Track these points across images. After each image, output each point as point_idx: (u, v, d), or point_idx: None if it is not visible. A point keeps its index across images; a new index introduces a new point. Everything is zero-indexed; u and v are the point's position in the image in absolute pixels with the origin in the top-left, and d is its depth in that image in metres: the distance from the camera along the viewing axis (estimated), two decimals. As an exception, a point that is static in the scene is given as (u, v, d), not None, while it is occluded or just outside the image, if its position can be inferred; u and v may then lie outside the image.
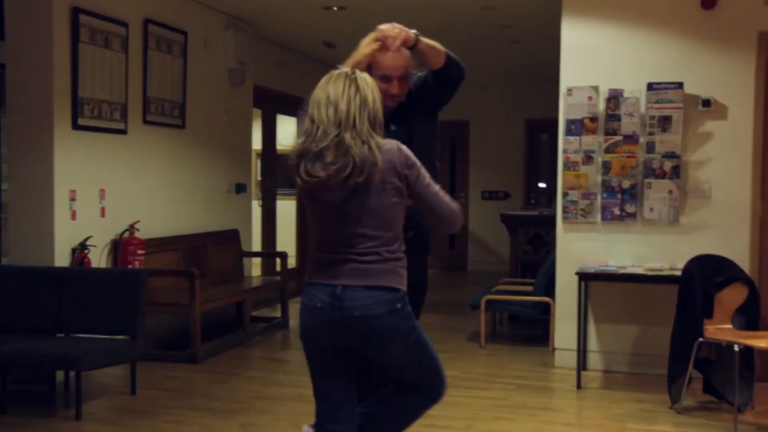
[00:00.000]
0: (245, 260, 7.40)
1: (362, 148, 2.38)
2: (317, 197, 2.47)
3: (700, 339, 4.22)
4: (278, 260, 7.61)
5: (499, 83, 10.80)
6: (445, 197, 2.53)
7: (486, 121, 11.14)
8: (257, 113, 8.23)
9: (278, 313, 7.39)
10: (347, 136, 2.38)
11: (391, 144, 2.47)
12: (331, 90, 2.45)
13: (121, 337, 4.81)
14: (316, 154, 2.39)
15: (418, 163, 2.49)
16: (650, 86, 5.21)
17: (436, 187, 2.53)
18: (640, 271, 5.03)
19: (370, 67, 2.99)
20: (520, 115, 11.05)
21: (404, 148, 2.49)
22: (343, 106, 2.42)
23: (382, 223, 2.45)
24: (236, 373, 5.37)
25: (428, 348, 2.58)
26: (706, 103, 5.14)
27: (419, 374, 2.59)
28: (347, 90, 2.44)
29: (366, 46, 2.87)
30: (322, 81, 2.51)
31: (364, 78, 2.51)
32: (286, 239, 9.31)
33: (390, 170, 2.42)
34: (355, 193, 2.41)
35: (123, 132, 5.67)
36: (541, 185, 11.33)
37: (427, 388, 2.61)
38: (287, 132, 9.50)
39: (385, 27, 2.89)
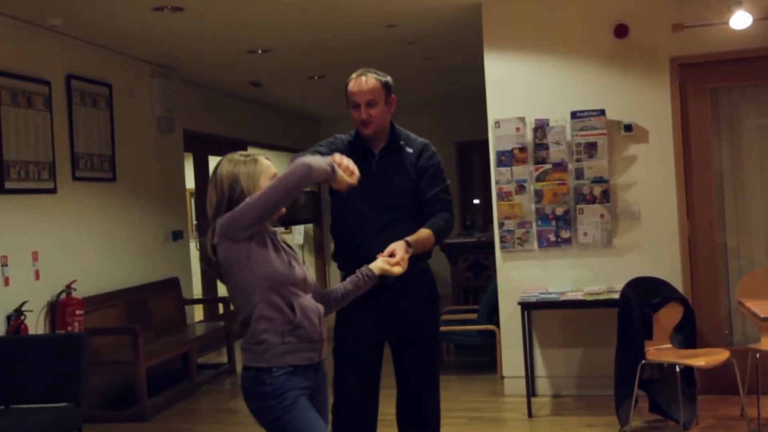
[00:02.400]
0: (187, 307, 7.30)
1: (207, 240, 2.50)
2: None
3: (643, 361, 4.36)
4: (221, 304, 7.52)
5: (427, 108, 10.95)
6: (263, 191, 2.42)
7: (417, 147, 11.25)
8: (188, 156, 8.15)
9: (224, 358, 7.30)
10: (209, 224, 2.52)
11: (217, 224, 2.48)
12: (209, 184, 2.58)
13: (65, 404, 4.67)
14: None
15: (236, 210, 2.41)
16: (574, 114, 5.38)
17: (251, 198, 2.41)
18: (579, 295, 5.16)
19: (347, 101, 3.24)
20: (449, 138, 11.21)
21: (224, 216, 2.44)
22: (209, 200, 2.53)
23: (237, 295, 2.50)
24: (187, 429, 5.29)
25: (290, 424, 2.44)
26: (628, 128, 5.33)
27: None
28: (211, 181, 2.54)
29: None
30: None
31: (231, 160, 2.53)
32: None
33: (224, 245, 2.45)
34: (222, 278, 2.55)
35: (52, 191, 5.55)
36: (476, 201, 11.55)
37: None
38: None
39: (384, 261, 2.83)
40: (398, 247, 2.84)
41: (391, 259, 2.75)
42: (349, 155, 3.19)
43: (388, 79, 3.28)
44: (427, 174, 3.26)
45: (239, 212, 2.41)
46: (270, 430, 2.47)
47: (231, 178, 2.48)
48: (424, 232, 3.13)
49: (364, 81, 3.19)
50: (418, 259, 3.10)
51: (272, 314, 2.44)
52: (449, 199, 3.33)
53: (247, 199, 2.42)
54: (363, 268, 2.72)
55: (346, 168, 2.58)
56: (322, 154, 3.10)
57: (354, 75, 3.24)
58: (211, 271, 2.59)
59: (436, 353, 3.40)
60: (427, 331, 3.31)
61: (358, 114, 3.19)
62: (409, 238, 2.98)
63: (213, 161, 8.90)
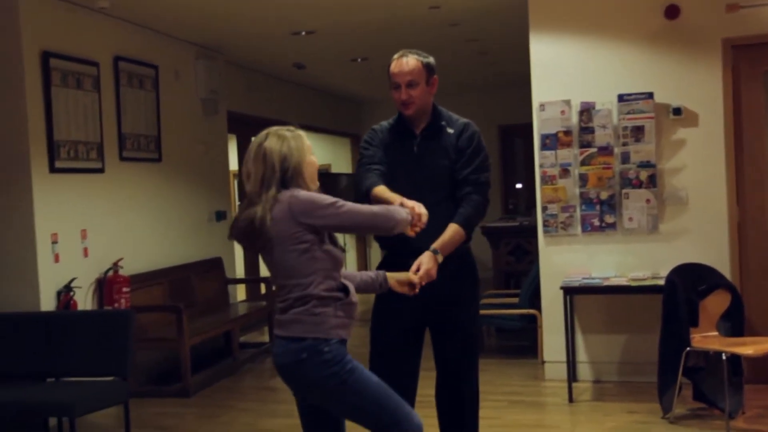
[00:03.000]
0: (230, 287, 7.39)
1: (261, 214, 2.47)
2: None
3: (688, 348, 4.30)
4: (263, 284, 7.60)
5: (470, 91, 10.88)
6: (362, 209, 2.53)
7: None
8: (232, 137, 8.23)
9: (266, 338, 7.39)
10: (257, 204, 2.49)
11: (282, 200, 2.48)
12: (247, 155, 2.58)
13: (112, 378, 4.78)
14: (237, 220, 2.57)
15: (317, 201, 2.48)
16: (621, 97, 5.29)
17: (347, 207, 2.50)
18: (623, 281, 5.10)
19: (389, 83, 3.25)
20: (492, 122, 11.13)
21: (299, 197, 2.48)
22: (253, 174, 2.53)
23: (290, 273, 2.51)
24: (229, 406, 5.37)
25: (366, 395, 2.51)
26: (677, 111, 5.23)
27: (363, 420, 2.56)
28: (255, 155, 2.54)
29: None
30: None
31: (278, 134, 2.55)
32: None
33: (286, 222, 2.47)
34: (267, 250, 2.52)
35: (100, 171, 5.65)
36: (518, 186, 11.46)
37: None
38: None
39: (412, 276, 2.91)
40: (424, 261, 2.92)
41: (414, 277, 2.87)
42: (390, 140, 3.20)
43: (430, 59, 3.25)
44: (464, 154, 3.24)
45: (323, 207, 2.47)
46: (335, 396, 2.51)
47: (281, 153, 2.52)
48: (451, 230, 3.12)
49: (405, 62, 3.19)
50: (455, 250, 3.13)
51: (328, 293, 2.52)
52: (482, 181, 3.24)
53: (337, 202, 2.48)
54: (381, 276, 2.86)
55: (418, 217, 2.70)
56: (368, 156, 3.22)
57: (396, 56, 3.23)
58: (244, 243, 2.59)
59: (475, 336, 3.39)
60: (467, 314, 3.30)
61: (399, 95, 3.19)
62: (435, 245, 3.02)
63: (256, 143, 9.00)
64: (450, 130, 3.27)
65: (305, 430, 2.71)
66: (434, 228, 3.00)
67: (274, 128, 2.59)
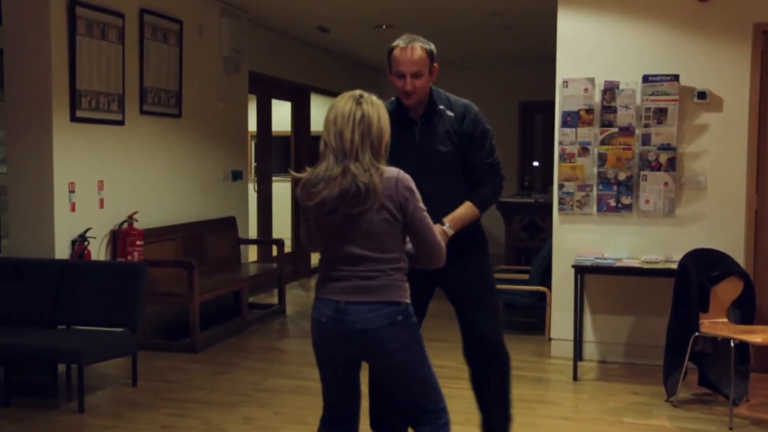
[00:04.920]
0: (242, 247, 7.43)
1: (365, 177, 2.46)
2: (319, 219, 2.58)
3: (696, 333, 4.30)
4: (275, 246, 7.64)
5: (492, 66, 10.79)
6: (435, 231, 2.61)
7: (480, 103, 11.08)
8: (252, 98, 8.21)
9: (275, 300, 7.44)
10: (353, 165, 2.47)
11: (391, 172, 2.53)
12: (338, 114, 2.52)
13: (121, 329, 4.84)
14: (323, 179, 2.51)
15: (417, 193, 2.55)
16: (646, 78, 5.24)
17: (430, 221, 2.59)
18: (636, 263, 5.08)
19: (389, 67, 3.19)
20: (513, 97, 11.06)
21: (404, 177, 2.54)
22: (347, 134, 2.49)
23: (380, 245, 2.53)
24: (236, 364, 5.42)
25: (428, 362, 2.63)
26: (702, 95, 5.17)
27: (419, 386, 2.62)
28: (352, 116, 2.50)
29: None
30: (334, 102, 2.58)
31: (372, 101, 2.55)
32: (282, 222, 9.35)
33: (387, 197, 2.50)
34: (353, 217, 2.51)
35: (120, 123, 5.67)
36: (535, 164, 11.40)
37: (428, 404, 2.62)
38: (281, 116, 9.53)
39: None
40: None
41: None
42: (392, 126, 3.15)
43: (433, 47, 3.21)
44: (472, 139, 3.23)
45: (418, 200, 2.53)
46: (409, 362, 2.57)
47: (380, 126, 2.53)
48: (466, 207, 3.15)
49: (412, 52, 3.12)
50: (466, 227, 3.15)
51: (405, 263, 2.61)
52: (497, 162, 3.31)
53: (424, 214, 2.55)
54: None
55: None
56: None
57: (401, 42, 3.17)
58: (335, 204, 2.49)
59: (490, 290, 3.39)
60: (477, 269, 3.32)
61: (403, 84, 3.14)
62: (447, 219, 3.05)
63: (276, 104, 8.99)
64: (450, 113, 3.25)
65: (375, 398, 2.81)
66: (444, 213, 3.07)
67: (359, 92, 2.57)
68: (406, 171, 2.64)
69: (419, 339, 2.61)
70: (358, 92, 2.58)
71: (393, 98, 3.30)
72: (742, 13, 5.10)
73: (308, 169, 2.61)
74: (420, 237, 2.58)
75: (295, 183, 2.64)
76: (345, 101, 2.54)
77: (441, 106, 3.25)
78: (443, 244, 2.63)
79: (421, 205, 2.56)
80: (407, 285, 2.60)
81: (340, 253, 2.56)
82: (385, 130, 2.55)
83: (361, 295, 2.53)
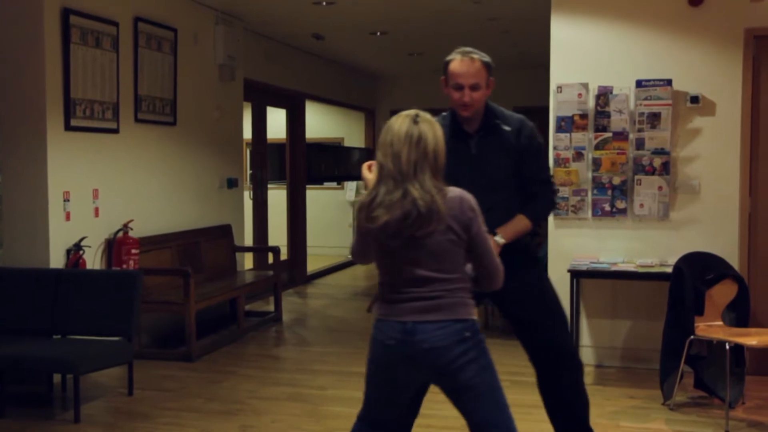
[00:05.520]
0: (238, 254, 7.43)
1: (426, 198, 2.43)
2: (381, 242, 2.54)
3: (692, 337, 4.30)
4: (270, 254, 7.64)
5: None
6: (494, 253, 2.60)
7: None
8: (247, 105, 8.22)
9: (271, 307, 7.44)
10: (412, 187, 2.44)
11: (454, 192, 2.51)
12: (395, 136, 2.50)
13: (117, 338, 4.83)
14: (383, 203, 2.47)
15: (479, 214, 2.53)
16: (639, 83, 5.26)
17: (491, 243, 2.59)
18: (631, 267, 5.09)
19: (446, 79, 3.18)
20: (508, 102, 11.04)
21: (467, 197, 2.52)
22: (405, 156, 2.46)
23: (446, 265, 2.51)
24: (232, 372, 5.41)
25: (497, 379, 2.58)
26: (695, 99, 5.19)
27: (489, 403, 2.56)
28: (408, 137, 2.48)
29: None
30: (388, 123, 2.57)
31: (427, 120, 2.52)
32: (278, 230, 9.34)
33: (452, 217, 2.47)
34: (417, 239, 2.47)
35: (115, 131, 5.67)
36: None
37: (502, 422, 2.58)
38: (277, 123, 9.54)
39: None
40: None
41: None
42: (447, 139, 3.14)
43: (490, 60, 3.21)
44: (527, 153, 3.23)
45: (480, 223, 2.52)
46: (484, 377, 2.53)
47: (437, 145, 2.50)
48: (519, 219, 3.16)
49: (471, 64, 3.12)
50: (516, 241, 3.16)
51: (469, 282, 2.59)
52: (550, 176, 3.36)
53: (486, 235, 2.55)
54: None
55: None
56: None
57: (458, 55, 3.16)
58: (399, 226, 2.46)
59: (552, 297, 3.35)
60: (540, 293, 3.31)
61: (461, 96, 3.13)
62: (499, 230, 3.05)
63: (271, 112, 9.00)
64: (506, 127, 3.23)
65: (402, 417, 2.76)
66: (497, 227, 3.06)
67: (415, 112, 2.55)
68: (460, 185, 2.63)
69: (488, 355, 2.57)
70: (413, 112, 2.55)
71: (446, 112, 3.29)
72: (733, 18, 5.12)
73: (364, 191, 2.61)
74: (481, 257, 2.56)
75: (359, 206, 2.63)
76: (401, 122, 2.52)
77: (497, 120, 3.24)
78: (501, 266, 2.60)
79: (484, 226, 2.55)
80: (473, 302, 2.58)
81: (406, 275, 2.52)
82: (442, 149, 2.52)
83: (429, 315, 2.49)
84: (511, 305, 3.29)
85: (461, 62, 3.12)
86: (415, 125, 2.49)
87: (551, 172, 3.41)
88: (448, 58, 3.19)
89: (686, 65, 5.21)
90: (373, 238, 2.56)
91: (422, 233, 2.46)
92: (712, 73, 5.18)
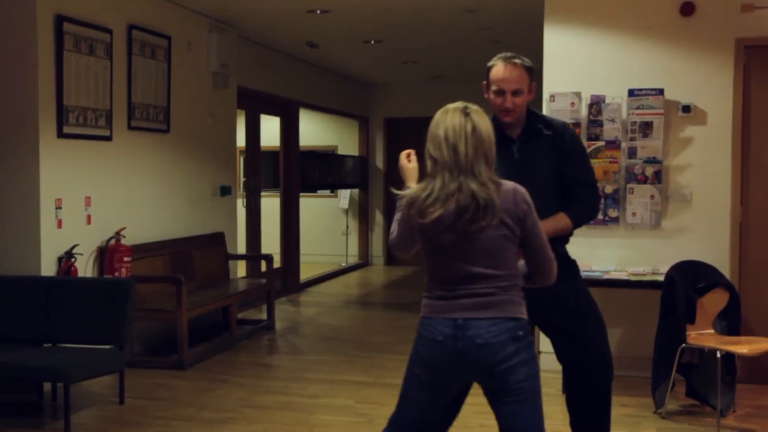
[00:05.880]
0: (231, 262, 7.42)
1: (483, 192, 2.39)
2: (430, 237, 2.48)
3: (683, 345, 4.31)
4: (263, 262, 7.63)
5: (481, 79, 10.82)
6: (549, 247, 2.54)
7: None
8: (240, 113, 8.23)
9: (264, 315, 7.42)
10: (470, 180, 2.41)
11: (508, 186, 2.47)
12: (449, 129, 2.45)
13: (109, 346, 4.81)
14: (438, 197, 2.42)
15: (533, 207, 2.49)
16: (631, 92, 5.28)
17: (545, 237, 2.53)
18: (623, 275, 5.10)
19: (488, 84, 3.17)
20: (501, 112, 11.09)
21: (521, 190, 2.48)
22: (462, 148, 2.43)
23: (499, 262, 2.45)
24: (224, 380, 5.40)
25: (540, 384, 2.51)
26: (686, 108, 5.22)
27: (531, 408, 2.49)
28: (464, 129, 2.44)
29: None
30: (438, 116, 2.52)
31: (480, 113, 2.50)
32: (271, 238, 9.34)
33: (506, 211, 2.43)
34: (470, 234, 2.42)
35: (108, 139, 5.66)
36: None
37: (531, 427, 2.50)
38: (270, 131, 9.54)
39: None
40: None
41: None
42: None
43: (532, 65, 3.20)
44: (571, 158, 3.23)
45: (535, 216, 2.48)
46: (531, 380, 2.47)
47: (490, 136, 2.48)
48: (559, 217, 3.12)
49: (513, 69, 3.11)
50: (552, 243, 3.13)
51: (521, 280, 2.54)
52: (594, 181, 3.34)
53: (540, 228, 2.50)
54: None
55: None
56: None
57: (500, 60, 3.14)
58: (453, 220, 2.41)
59: (590, 306, 3.34)
60: (580, 302, 3.29)
61: (503, 101, 3.12)
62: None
63: (265, 119, 9.00)
64: (548, 132, 3.23)
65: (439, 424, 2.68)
66: None
67: (463, 104, 2.52)
68: None
69: (537, 360, 2.52)
70: (461, 104, 2.52)
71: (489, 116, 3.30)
72: (724, 28, 5.16)
73: (412, 185, 2.55)
74: (535, 251, 2.50)
75: (402, 201, 2.57)
76: (453, 115, 2.48)
77: (539, 125, 3.24)
78: (554, 259, 2.55)
79: (538, 219, 2.50)
80: (524, 301, 2.53)
81: (457, 271, 2.46)
82: (493, 141, 2.49)
83: (481, 312, 2.44)
84: (545, 314, 3.24)
85: (503, 67, 3.12)
86: (468, 117, 2.46)
87: (596, 179, 3.37)
88: (490, 63, 3.18)
89: (678, 75, 5.25)
90: (424, 234, 2.49)
91: (476, 227, 2.40)
92: (703, 83, 5.21)
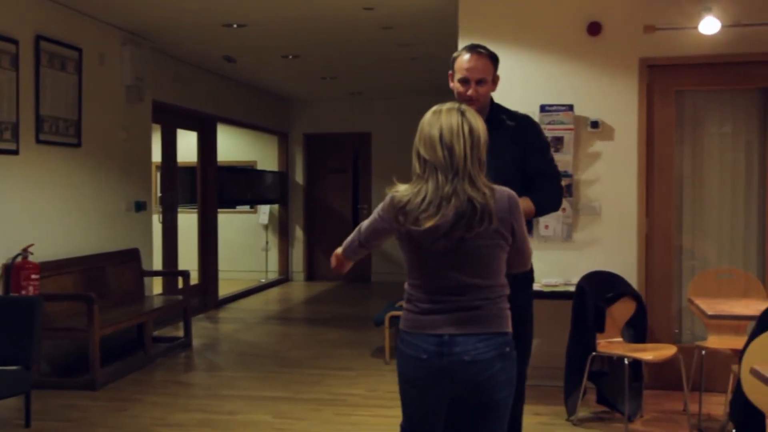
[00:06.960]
0: (146, 279, 7.25)
1: (480, 197, 2.30)
2: (421, 245, 2.36)
3: (593, 353, 4.45)
4: (180, 278, 7.49)
5: (400, 95, 10.97)
6: (528, 241, 2.48)
7: (388, 133, 11.28)
8: (156, 128, 8.08)
9: (181, 333, 7.27)
10: (465, 183, 2.31)
11: (502, 191, 2.38)
12: (445, 129, 2.34)
13: (15, 367, 4.62)
14: (433, 201, 2.31)
15: (521, 212, 2.42)
16: (543, 108, 5.44)
17: (526, 232, 2.47)
18: (536, 287, 5.20)
19: (453, 73, 3.17)
20: (417, 127, 11.22)
21: (514, 196, 2.41)
22: (458, 149, 2.32)
23: (490, 271, 2.37)
24: (138, 399, 5.26)
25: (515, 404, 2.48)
26: (595, 124, 5.41)
27: (502, 424, 2.45)
28: (461, 129, 2.34)
29: None
30: (431, 117, 2.40)
31: (474, 114, 2.41)
32: (188, 254, 9.17)
33: (501, 220, 2.33)
34: (465, 242, 2.32)
35: (14, 152, 5.47)
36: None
37: None
38: (187, 146, 9.40)
39: None
40: None
41: None
42: None
43: (497, 55, 3.23)
44: (533, 148, 3.25)
45: (522, 217, 2.41)
46: (510, 398, 2.42)
47: (485, 138, 2.39)
48: (526, 201, 3.06)
49: (479, 58, 3.14)
50: None
51: (508, 289, 2.46)
52: (557, 174, 3.34)
53: (525, 228, 2.43)
54: None
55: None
56: None
57: (466, 50, 3.17)
58: (447, 227, 2.30)
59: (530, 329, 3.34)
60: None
61: (466, 90, 3.14)
62: None
63: (181, 134, 8.86)
64: (510, 123, 3.26)
65: None
66: None
67: (456, 104, 2.43)
68: None
69: (519, 376, 2.48)
70: (454, 104, 2.43)
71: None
72: (629, 48, 5.38)
73: (400, 187, 2.40)
74: (520, 252, 2.43)
75: (392, 205, 2.41)
76: (448, 115, 2.37)
77: (503, 116, 3.26)
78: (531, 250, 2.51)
79: (523, 220, 2.43)
80: (510, 314, 2.44)
81: (445, 282, 2.35)
82: (487, 143, 2.40)
83: (468, 327, 2.34)
84: None
85: (469, 57, 3.15)
86: (464, 117, 2.36)
87: (558, 169, 3.39)
88: (456, 54, 3.20)
89: (586, 91, 5.44)
90: (417, 243, 2.36)
91: (472, 234, 2.30)
92: (610, 100, 5.41)
